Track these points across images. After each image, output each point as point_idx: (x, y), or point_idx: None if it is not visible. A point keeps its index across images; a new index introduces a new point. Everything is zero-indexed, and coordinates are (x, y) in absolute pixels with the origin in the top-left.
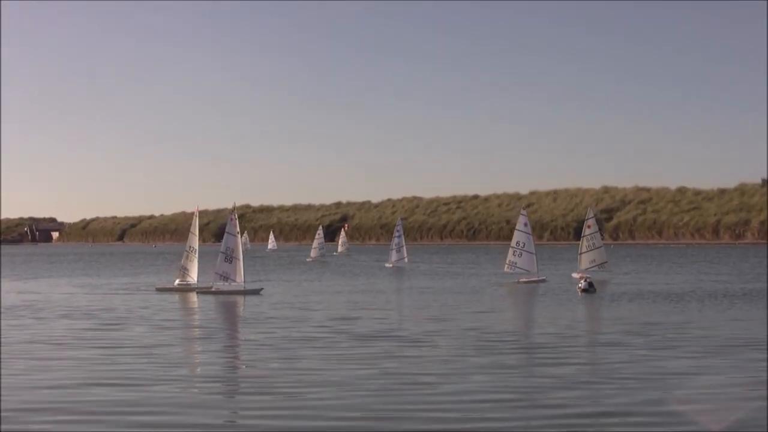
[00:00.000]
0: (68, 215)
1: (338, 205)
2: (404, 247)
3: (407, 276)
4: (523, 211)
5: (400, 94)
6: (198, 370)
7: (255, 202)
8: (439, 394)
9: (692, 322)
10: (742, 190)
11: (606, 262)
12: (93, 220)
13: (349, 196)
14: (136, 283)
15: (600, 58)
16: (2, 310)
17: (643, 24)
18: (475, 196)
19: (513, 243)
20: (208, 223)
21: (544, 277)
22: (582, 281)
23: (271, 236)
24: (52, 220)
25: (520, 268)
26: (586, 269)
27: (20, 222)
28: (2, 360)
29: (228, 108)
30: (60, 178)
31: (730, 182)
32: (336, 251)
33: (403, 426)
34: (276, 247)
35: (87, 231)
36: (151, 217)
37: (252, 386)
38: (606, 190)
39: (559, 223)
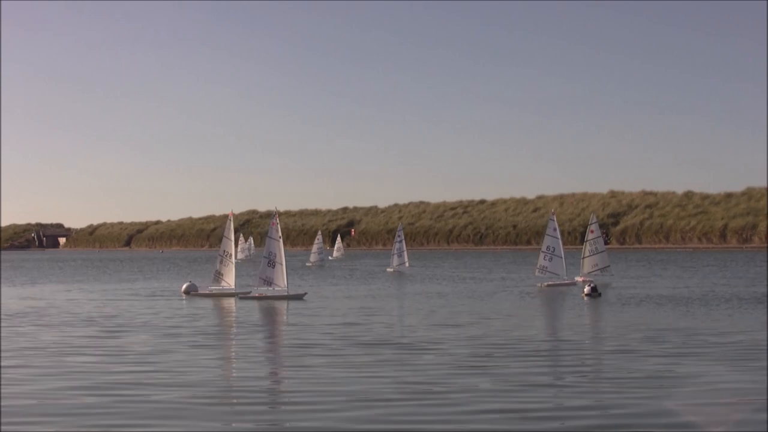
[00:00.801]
0: (75, 221)
1: (345, 210)
2: (405, 252)
3: (427, 280)
4: (552, 217)
5: (407, 100)
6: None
7: (262, 208)
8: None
9: (702, 327)
10: (749, 194)
11: (608, 266)
12: (100, 225)
13: (356, 202)
14: (172, 288)
15: (607, 63)
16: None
17: (648, 28)
18: (482, 201)
19: (543, 248)
20: (214, 229)
21: (571, 281)
22: (587, 286)
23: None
24: (59, 225)
25: (551, 272)
26: (589, 273)
27: (27, 228)
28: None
29: (235, 113)
30: (67, 183)
31: (737, 186)
32: (331, 256)
33: None
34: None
35: (94, 237)
36: (158, 222)
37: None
38: (613, 194)
39: (566, 227)
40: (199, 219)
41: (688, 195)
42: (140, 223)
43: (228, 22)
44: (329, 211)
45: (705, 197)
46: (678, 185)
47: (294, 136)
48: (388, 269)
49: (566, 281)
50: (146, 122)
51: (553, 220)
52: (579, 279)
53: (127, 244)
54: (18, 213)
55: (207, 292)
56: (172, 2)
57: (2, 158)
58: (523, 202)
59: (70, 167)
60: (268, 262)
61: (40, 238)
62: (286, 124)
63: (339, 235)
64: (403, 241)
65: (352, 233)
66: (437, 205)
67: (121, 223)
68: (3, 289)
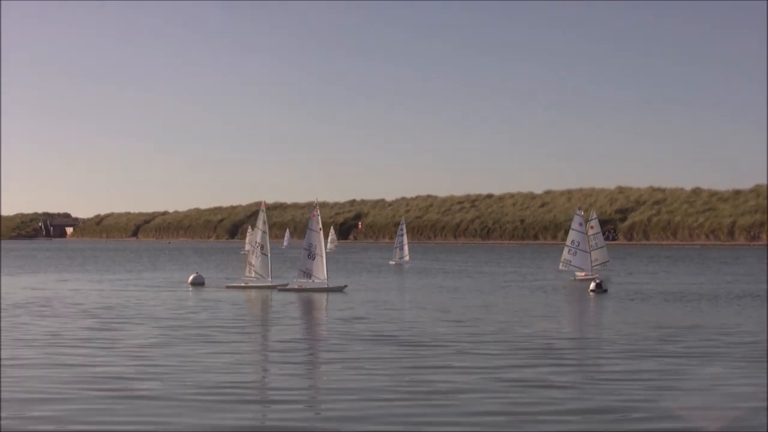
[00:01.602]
0: (82, 211)
1: (352, 203)
2: (406, 246)
3: (457, 275)
4: (578, 212)
5: (414, 93)
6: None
7: (269, 199)
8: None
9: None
10: (757, 191)
11: (608, 261)
12: (107, 215)
13: (363, 194)
14: (179, 279)
15: (617, 58)
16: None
17: (660, 23)
18: (489, 195)
19: (568, 242)
20: (221, 220)
21: (597, 276)
22: (593, 282)
23: (287, 233)
24: (67, 215)
25: (575, 266)
26: (591, 268)
27: (34, 217)
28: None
29: (243, 105)
30: (74, 173)
31: (746, 183)
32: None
33: None
34: (290, 245)
35: (101, 227)
36: (165, 213)
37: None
38: (621, 190)
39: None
40: (206, 210)
41: (696, 191)
42: (147, 214)
43: (237, 13)
44: (336, 203)
45: (713, 194)
46: (686, 182)
47: (302, 129)
48: (391, 262)
49: (593, 275)
50: (155, 113)
51: (579, 215)
52: (579, 274)
53: (134, 234)
54: (25, 202)
55: (242, 284)
56: None
57: (11, 148)
58: (531, 196)
59: (77, 157)
60: (309, 254)
61: (47, 228)
62: (295, 117)
63: (332, 228)
64: (405, 235)
65: (359, 226)
66: (445, 199)
67: (128, 214)
68: (12, 279)
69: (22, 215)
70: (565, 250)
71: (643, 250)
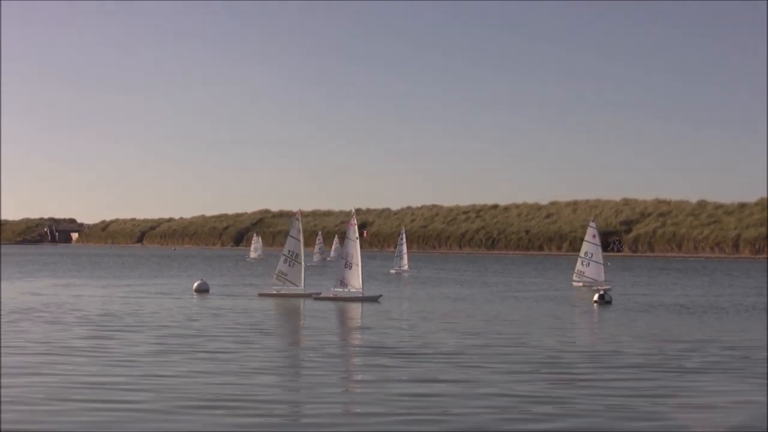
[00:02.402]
0: (88, 216)
1: (358, 211)
2: (405, 255)
3: (473, 285)
4: (592, 223)
5: (421, 102)
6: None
7: (274, 207)
8: None
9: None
10: (762, 204)
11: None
12: (112, 221)
13: (369, 203)
14: (233, 286)
15: (623, 69)
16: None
17: (666, 35)
18: (495, 206)
19: (581, 253)
20: (227, 227)
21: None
22: (596, 294)
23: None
24: (72, 221)
25: (588, 278)
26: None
27: (40, 222)
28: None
29: (250, 113)
30: (80, 179)
31: (751, 196)
32: (329, 256)
33: None
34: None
35: (106, 232)
36: (170, 219)
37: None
38: (626, 201)
39: (578, 234)
40: (212, 217)
41: (702, 204)
42: (153, 220)
43: (241, 20)
44: (342, 212)
45: (718, 206)
46: (691, 194)
47: (308, 137)
48: (391, 270)
49: (606, 287)
50: (160, 120)
51: (593, 227)
52: (578, 285)
53: (140, 240)
54: (31, 207)
55: (274, 292)
56: (187, 1)
57: (17, 153)
58: (536, 207)
59: (83, 163)
60: (345, 263)
61: (53, 233)
62: (300, 125)
63: (336, 236)
64: (405, 244)
65: (365, 234)
66: (450, 209)
67: (133, 220)
68: (14, 284)
69: (28, 220)
70: (579, 261)
71: (648, 262)
